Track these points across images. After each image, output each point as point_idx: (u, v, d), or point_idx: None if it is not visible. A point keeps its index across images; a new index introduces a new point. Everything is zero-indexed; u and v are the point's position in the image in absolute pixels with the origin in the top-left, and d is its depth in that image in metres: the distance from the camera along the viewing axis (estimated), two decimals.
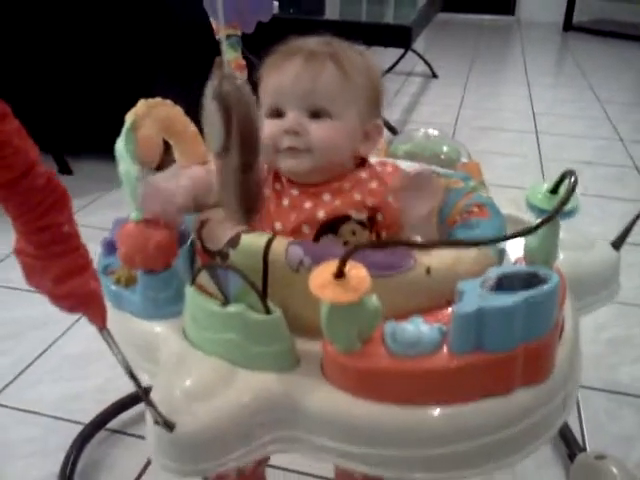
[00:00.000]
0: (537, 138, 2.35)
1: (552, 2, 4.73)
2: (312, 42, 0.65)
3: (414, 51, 3.17)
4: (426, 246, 0.55)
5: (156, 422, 0.48)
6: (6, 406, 1.03)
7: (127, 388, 0.99)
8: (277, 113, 0.64)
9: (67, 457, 0.92)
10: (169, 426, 0.48)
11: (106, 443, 0.97)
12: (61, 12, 1.82)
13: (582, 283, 0.67)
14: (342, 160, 0.65)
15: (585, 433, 0.99)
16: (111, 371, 1.08)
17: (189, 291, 0.56)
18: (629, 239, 0.74)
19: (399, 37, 2.16)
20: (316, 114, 0.63)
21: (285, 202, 0.64)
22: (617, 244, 0.74)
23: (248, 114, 0.55)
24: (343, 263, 0.46)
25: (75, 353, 1.16)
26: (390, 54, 3.00)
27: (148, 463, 0.92)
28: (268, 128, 0.63)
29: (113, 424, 0.99)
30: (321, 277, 0.46)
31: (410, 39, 2.13)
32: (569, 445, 0.94)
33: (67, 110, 1.95)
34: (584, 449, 0.95)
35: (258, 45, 0.74)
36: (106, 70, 1.87)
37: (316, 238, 0.62)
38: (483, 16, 5.03)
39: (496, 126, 2.50)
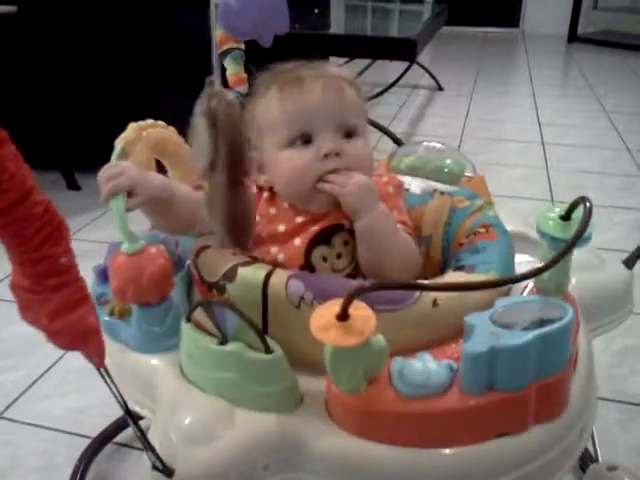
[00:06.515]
0: (543, 149, 2.35)
1: (556, 14, 4.74)
2: (308, 67, 0.63)
3: (419, 64, 3.18)
4: (435, 289, 0.52)
5: (154, 467, 0.45)
6: (15, 420, 1.03)
7: None
8: (305, 140, 0.61)
9: (75, 471, 0.91)
10: (168, 472, 0.45)
11: (114, 456, 0.96)
12: (69, 28, 1.84)
13: (595, 305, 0.65)
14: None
15: (597, 444, 0.98)
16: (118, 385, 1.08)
17: (185, 328, 0.53)
18: None
19: (404, 50, 2.16)
20: (348, 134, 0.61)
21: (281, 228, 0.62)
22: (629, 263, 0.72)
23: (236, 131, 0.53)
24: (347, 305, 0.42)
25: (82, 367, 1.14)
26: (395, 67, 3.01)
27: None
28: (298, 158, 0.60)
29: (121, 437, 0.99)
30: (323, 319, 0.43)
31: (415, 52, 2.14)
32: (581, 456, 0.93)
33: (75, 126, 1.96)
34: (596, 460, 0.94)
35: (261, 59, 0.74)
36: (114, 86, 1.89)
37: (308, 250, 0.60)
38: (488, 29, 5.04)
39: (502, 137, 2.50)
